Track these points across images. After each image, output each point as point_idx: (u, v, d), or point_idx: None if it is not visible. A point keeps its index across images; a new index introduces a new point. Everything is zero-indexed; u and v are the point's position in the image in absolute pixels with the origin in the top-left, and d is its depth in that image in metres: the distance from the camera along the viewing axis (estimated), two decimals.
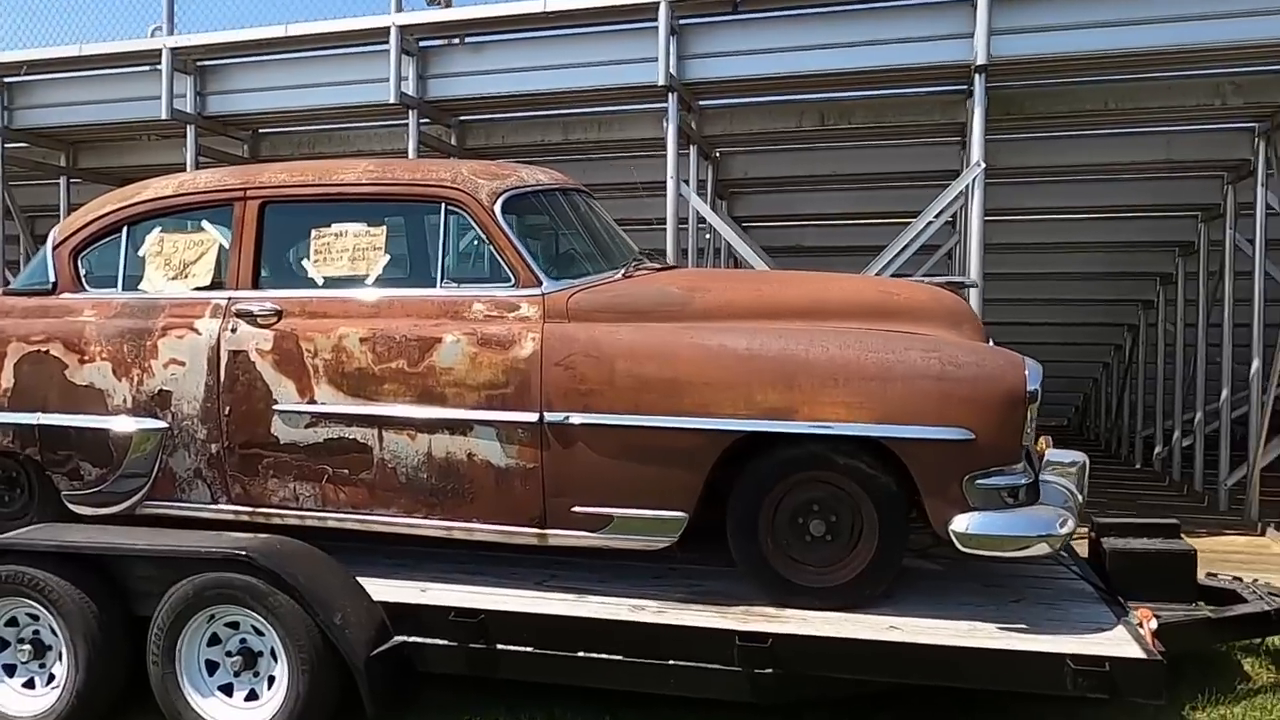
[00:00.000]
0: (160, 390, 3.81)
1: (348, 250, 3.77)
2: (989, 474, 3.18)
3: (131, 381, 3.83)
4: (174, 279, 3.93)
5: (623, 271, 3.89)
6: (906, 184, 8.81)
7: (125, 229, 4.03)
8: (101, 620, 3.37)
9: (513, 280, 3.65)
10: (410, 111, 7.14)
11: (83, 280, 4.08)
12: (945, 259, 7.46)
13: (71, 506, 3.97)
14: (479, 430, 3.53)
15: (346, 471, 3.67)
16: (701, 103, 7.49)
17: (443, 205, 3.72)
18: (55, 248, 4.13)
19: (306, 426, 3.67)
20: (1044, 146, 8.21)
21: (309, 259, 3.82)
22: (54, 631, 3.41)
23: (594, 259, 3.94)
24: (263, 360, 3.70)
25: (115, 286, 4.01)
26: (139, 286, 3.98)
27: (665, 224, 6.79)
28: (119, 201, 4.09)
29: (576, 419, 3.43)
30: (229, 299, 3.82)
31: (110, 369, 3.85)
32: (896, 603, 3.39)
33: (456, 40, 7.27)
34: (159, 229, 4.00)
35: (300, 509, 3.75)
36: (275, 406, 3.69)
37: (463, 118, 8.13)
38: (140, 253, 4.03)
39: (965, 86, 6.59)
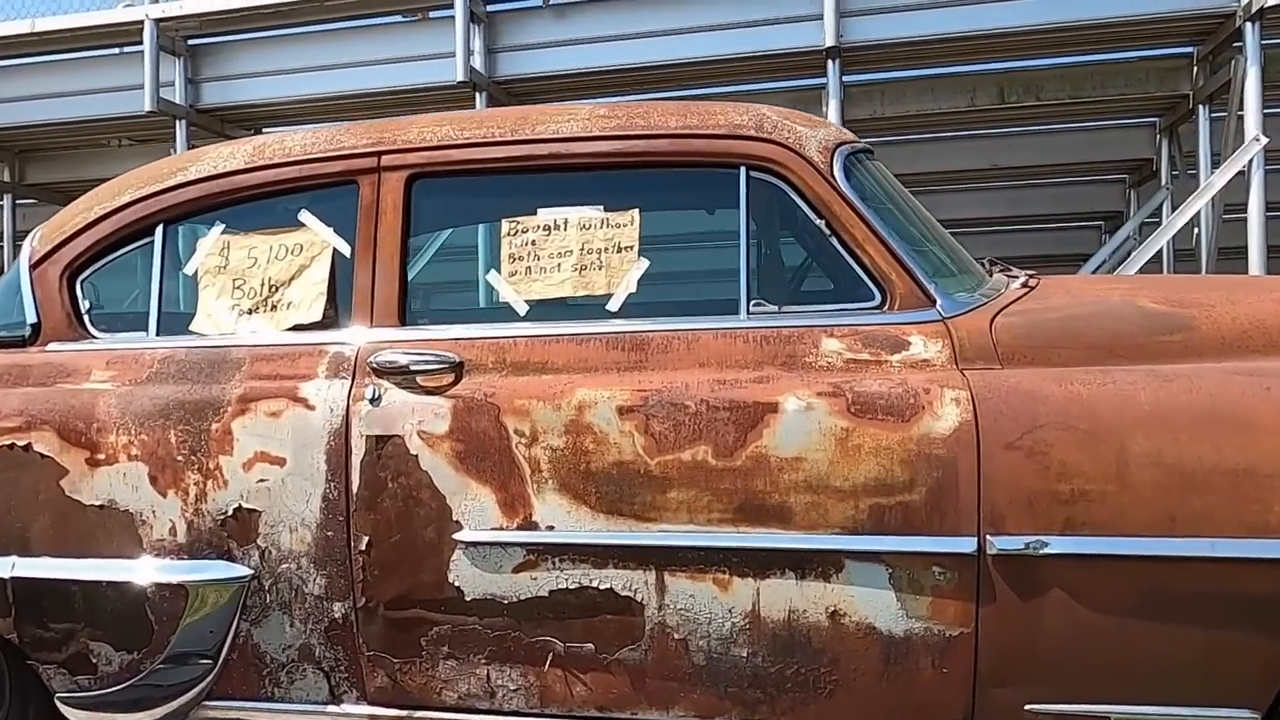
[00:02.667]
0: (237, 511, 2.14)
1: (571, 253, 2.17)
2: None
3: (184, 496, 2.16)
4: (253, 313, 2.29)
5: (1021, 279, 2.35)
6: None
7: (160, 230, 2.37)
8: None
9: (881, 297, 2.08)
10: (478, 92, 5.53)
11: (85, 320, 2.39)
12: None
13: (72, 716, 2.28)
14: (853, 571, 1.94)
15: (592, 647, 2.04)
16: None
17: (742, 169, 2.14)
18: (34, 267, 2.43)
19: (517, 570, 2.05)
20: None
21: (500, 270, 2.21)
22: None
23: (943, 262, 2.38)
24: (431, 452, 2.07)
25: (146, 329, 2.35)
26: (189, 328, 2.33)
27: None
28: (145, 184, 2.41)
29: (1055, 546, 1.86)
30: (361, 345, 2.20)
31: (144, 475, 2.18)
32: None
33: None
34: (221, 228, 2.36)
35: (499, 713, 2.12)
36: (457, 535, 2.06)
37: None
38: (190, 270, 2.38)
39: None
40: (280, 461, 2.12)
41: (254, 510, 2.13)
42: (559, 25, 5.38)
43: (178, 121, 6.08)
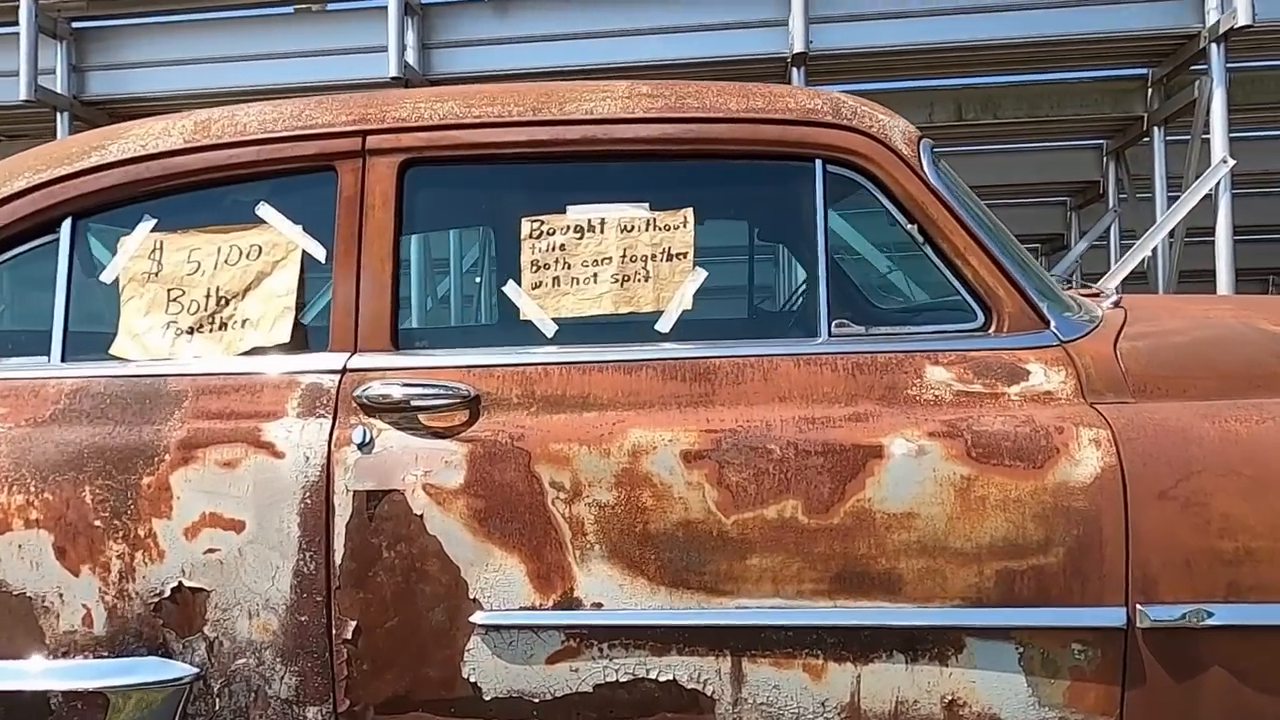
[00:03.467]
0: (176, 591, 1.64)
1: (610, 260, 1.75)
2: None
3: (103, 574, 1.64)
4: (196, 332, 1.78)
5: (1112, 298, 2.06)
6: None
7: (68, 225, 1.83)
8: None
9: (985, 316, 1.75)
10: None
11: None
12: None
13: None
14: (976, 651, 1.58)
15: None
16: None
17: (817, 163, 1.78)
18: None
19: (552, 659, 1.61)
20: None
21: (520, 281, 1.78)
22: None
23: (1037, 275, 2.04)
24: (442, 511, 1.61)
25: (48, 353, 1.81)
26: (108, 351, 1.82)
27: None
28: (48, 167, 1.84)
29: (1219, 616, 1.56)
30: (343, 371, 1.73)
31: (47, 546, 1.64)
32: None
33: None
34: (150, 224, 1.84)
35: None
36: (474, 617, 1.60)
37: None
38: (109, 277, 1.85)
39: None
40: (237, 526, 1.63)
41: (200, 590, 1.63)
42: (501, 22, 4.96)
43: (59, 114, 5.34)
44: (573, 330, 1.75)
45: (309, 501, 1.63)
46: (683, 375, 1.67)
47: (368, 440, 1.64)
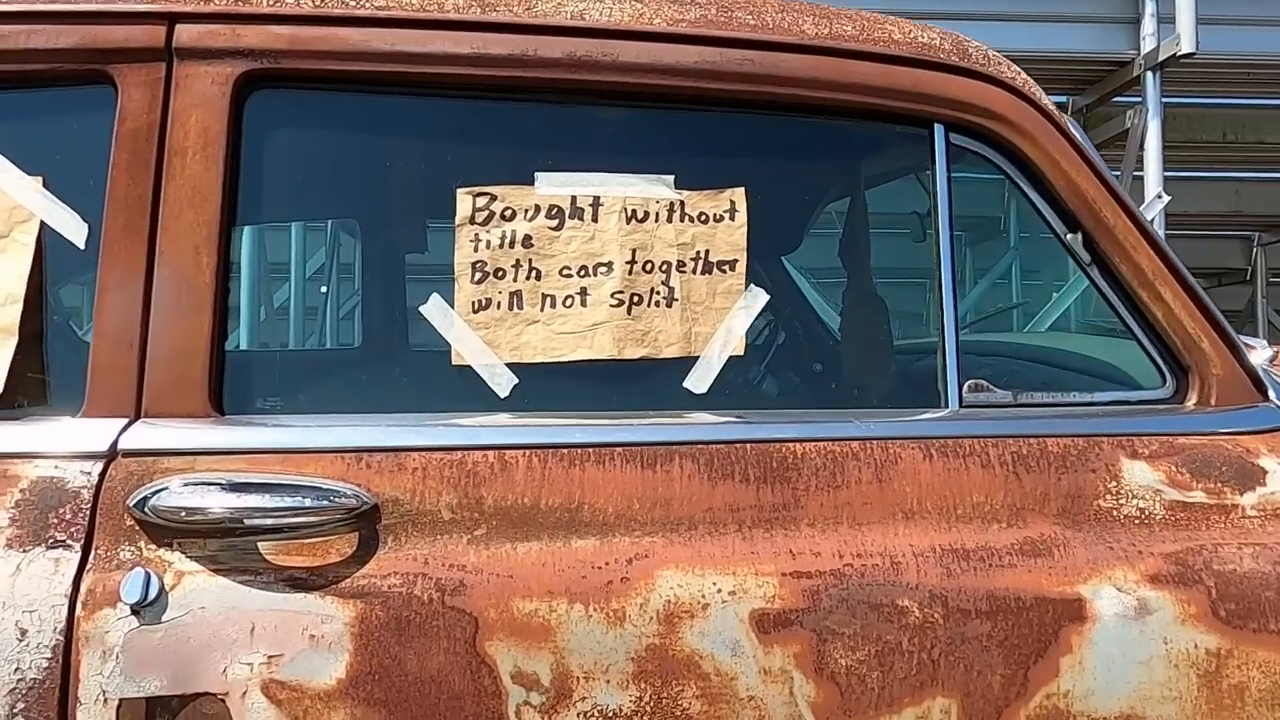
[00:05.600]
0: None
1: (610, 268, 1.04)
2: None
3: None
4: None
5: (1267, 351, 1.51)
6: None
7: None
8: None
9: (1174, 379, 1.15)
10: None
11: None
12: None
13: None
14: None
15: None
16: None
17: (936, 129, 1.13)
18: None
19: None
20: None
21: (456, 295, 1.03)
22: None
23: None
24: None
25: None
26: None
27: None
28: None
29: None
30: (109, 457, 0.90)
31: None
32: None
33: None
34: None
35: None
36: None
37: None
38: None
39: None
40: None
41: None
42: None
43: None
44: (542, 387, 1.02)
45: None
46: (744, 472, 0.97)
47: (150, 596, 0.85)
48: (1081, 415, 1.09)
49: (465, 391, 1.00)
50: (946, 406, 1.07)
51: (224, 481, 0.87)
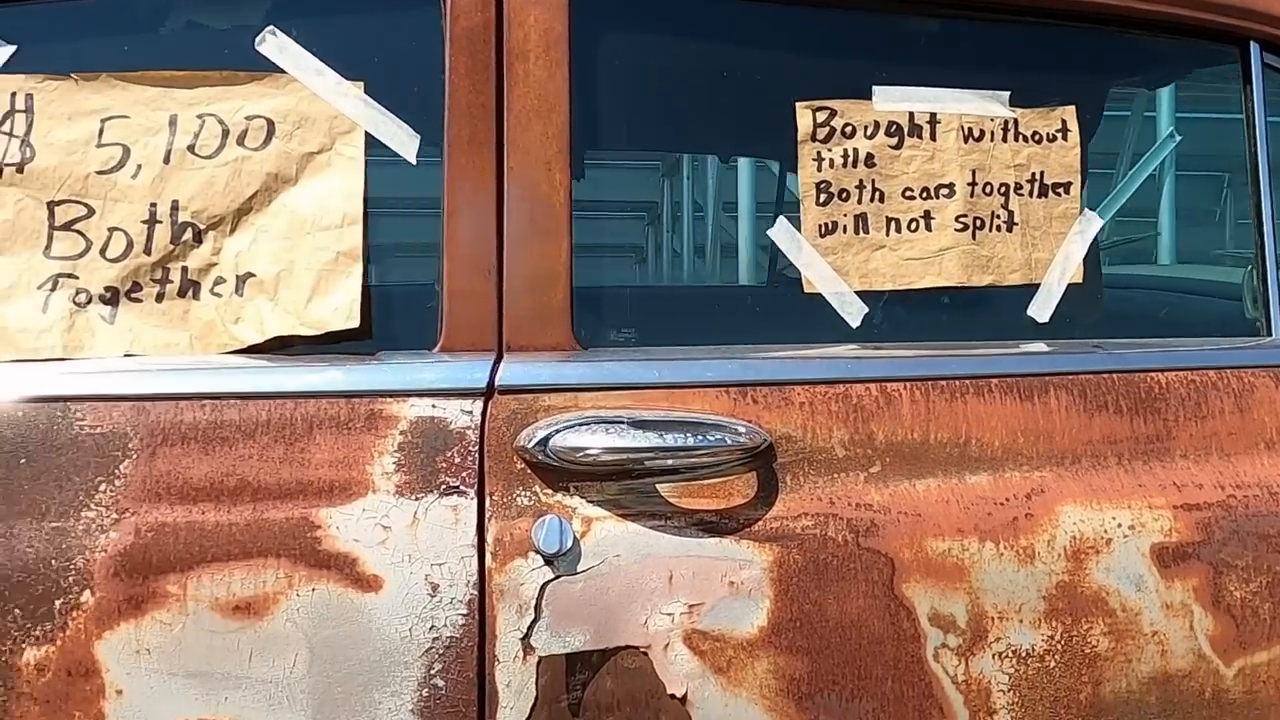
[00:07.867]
0: None
1: (953, 189, 0.98)
2: None
3: None
4: (127, 302, 0.78)
5: None
6: None
7: None
8: None
9: None
10: None
11: None
12: None
13: None
14: None
15: None
16: None
17: (1253, 48, 1.09)
18: None
19: None
20: None
21: (803, 219, 0.96)
22: None
23: None
24: (726, 692, 0.78)
25: None
26: None
27: None
28: None
29: None
30: (487, 394, 0.80)
31: None
32: None
33: None
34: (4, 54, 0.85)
35: None
36: None
37: None
38: None
39: None
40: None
41: None
42: None
43: None
44: (886, 315, 0.97)
45: (436, 689, 0.74)
46: (1116, 403, 0.93)
47: (566, 546, 0.78)
48: None
49: (815, 320, 0.94)
50: (1271, 334, 1.05)
51: (626, 419, 0.80)
